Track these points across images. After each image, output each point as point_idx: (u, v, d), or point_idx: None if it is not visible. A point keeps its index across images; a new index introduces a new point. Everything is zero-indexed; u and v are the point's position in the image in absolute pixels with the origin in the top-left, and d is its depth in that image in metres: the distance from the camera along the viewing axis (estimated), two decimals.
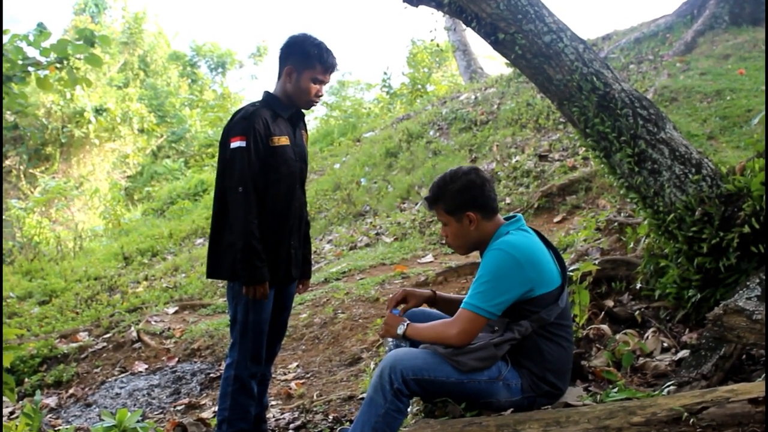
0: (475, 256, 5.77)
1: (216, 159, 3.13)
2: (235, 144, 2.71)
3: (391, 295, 2.82)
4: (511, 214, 2.69)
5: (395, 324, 2.61)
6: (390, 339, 2.86)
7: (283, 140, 2.82)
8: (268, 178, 2.78)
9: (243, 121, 2.75)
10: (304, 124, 3.05)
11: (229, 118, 2.88)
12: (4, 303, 7.29)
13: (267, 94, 2.90)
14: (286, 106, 2.87)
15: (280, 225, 2.84)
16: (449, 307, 2.79)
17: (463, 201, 2.54)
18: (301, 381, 4.13)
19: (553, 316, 2.48)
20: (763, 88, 7.33)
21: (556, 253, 2.60)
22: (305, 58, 2.82)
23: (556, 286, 2.53)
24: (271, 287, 2.86)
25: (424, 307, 2.82)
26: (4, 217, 11.98)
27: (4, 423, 3.63)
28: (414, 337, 2.56)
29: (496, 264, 2.44)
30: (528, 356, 2.50)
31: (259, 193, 2.76)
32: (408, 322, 2.60)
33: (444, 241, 2.69)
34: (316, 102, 2.91)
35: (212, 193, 3.05)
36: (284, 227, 2.86)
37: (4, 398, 3.96)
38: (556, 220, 6.29)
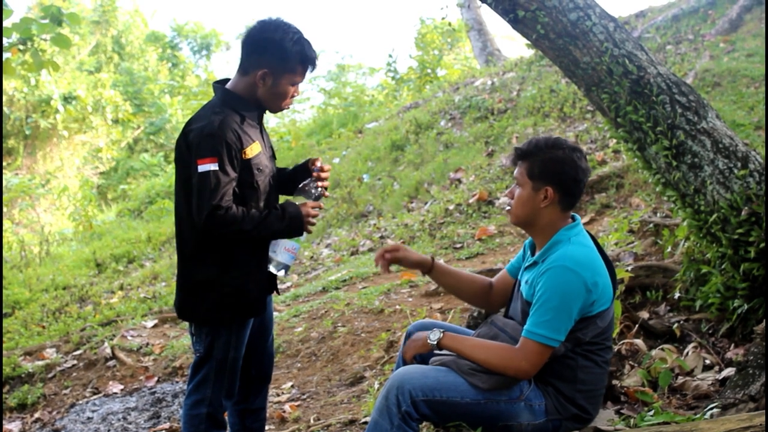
0: (491, 262, 5.82)
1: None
2: (205, 167, 2.55)
3: (379, 250, 2.78)
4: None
5: (423, 335, 2.60)
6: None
7: (256, 148, 2.70)
8: (245, 194, 2.69)
9: (211, 139, 2.57)
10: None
11: (186, 124, 2.71)
12: None
13: (227, 93, 2.72)
14: (252, 108, 2.73)
15: (262, 244, 2.79)
16: (446, 279, 2.82)
17: (553, 172, 2.53)
18: (296, 403, 4.14)
19: (589, 336, 2.48)
20: None
21: (608, 263, 2.59)
22: (284, 61, 2.65)
23: (611, 303, 2.53)
24: (257, 316, 2.86)
25: (434, 319, 2.82)
26: None
27: None
28: (455, 349, 2.52)
29: (563, 286, 2.42)
30: (557, 374, 2.50)
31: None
32: (443, 329, 2.59)
33: (507, 207, 2.67)
34: (290, 105, 2.81)
35: None
36: (266, 246, 2.81)
37: None
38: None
